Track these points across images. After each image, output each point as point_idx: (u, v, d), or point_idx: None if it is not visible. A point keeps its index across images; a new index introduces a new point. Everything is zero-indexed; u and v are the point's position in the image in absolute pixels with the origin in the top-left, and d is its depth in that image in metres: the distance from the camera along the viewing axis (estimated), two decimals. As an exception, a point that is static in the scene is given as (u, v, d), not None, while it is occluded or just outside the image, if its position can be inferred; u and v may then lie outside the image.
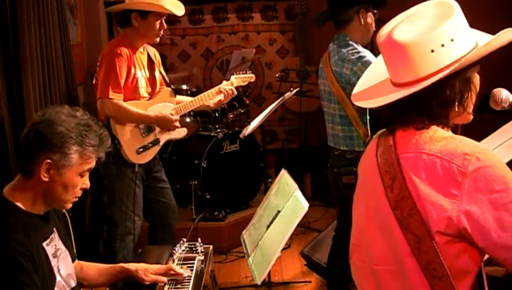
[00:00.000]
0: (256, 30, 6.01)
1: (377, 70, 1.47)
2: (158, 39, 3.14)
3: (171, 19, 5.78)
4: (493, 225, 1.21)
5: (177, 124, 3.18)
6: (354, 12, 2.73)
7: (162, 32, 3.12)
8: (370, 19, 2.76)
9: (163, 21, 3.09)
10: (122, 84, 2.98)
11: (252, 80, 3.63)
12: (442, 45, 1.27)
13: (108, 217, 3.24)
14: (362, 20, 2.73)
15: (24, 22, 3.06)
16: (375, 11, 2.77)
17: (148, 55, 3.22)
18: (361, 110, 2.67)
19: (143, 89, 3.14)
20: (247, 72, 3.62)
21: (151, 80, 3.22)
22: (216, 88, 3.35)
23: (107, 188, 3.26)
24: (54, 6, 3.44)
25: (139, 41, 3.11)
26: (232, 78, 3.48)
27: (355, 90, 1.51)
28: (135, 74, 3.05)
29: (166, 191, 3.40)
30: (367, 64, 2.59)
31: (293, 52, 5.98)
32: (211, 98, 3.34)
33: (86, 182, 1.76)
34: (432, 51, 1.27)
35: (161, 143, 3.24)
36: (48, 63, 3.34)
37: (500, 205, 1.21)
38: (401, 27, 1.31)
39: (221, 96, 3.34)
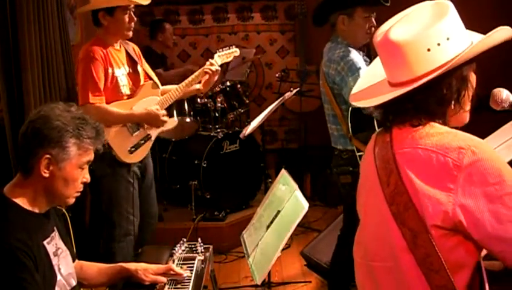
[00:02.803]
0: (256, 30, 6.01)
1: (375, 71, 1.49)
2: (130, 33, 3.08)
3: (171, 19, 5.82)
4: (488, 218, 1.22)
5: (165, 118, 3.14)
6: (335, 18, 2.77)
7: (132, 25, 3.06)
8: (357, 22, 2.75)
9: (132, 14, 3.03)
10: (101, 87, 2.94)
11: (237, 54, 3.55)
12: (438, 44, 1.28)
13: (106, 218, 3.23)
14: (343, 25, 2.75)
15: (24, 22, 3.06)
16: (366, 15, 2.75)
17: (127, 52, 3.17)
18: (345, 110, 2.70)
19: (125, 86, 3.08)
20: (230, 47, 3.54)
21: (133, 76, 3.17)
22: (200, 70, 3.29)
23: (103, 191, 3.24)
24: (54, 7, 3.44)
25: (112, 39, 3.07)
26: (216, 56, 3.41)
27: (353, 91, 1.53)
28: (113, 73, 3.01)
29: (151, 197, 3.38)
30: (349, 63, 2.65)
31: (293, 52, 5.98)
32: (196, 81, 3.28)
33: (86, 176, 1.78)
34: (428, 49, 1.28)
35: (153, 138, 3.20)
36: (48, 63, 3.34)
37: (495, 197, 1.22)
38: (398, 27, 1.32)
39: (206, 77, 3.28)
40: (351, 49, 2.73)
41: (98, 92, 2.94)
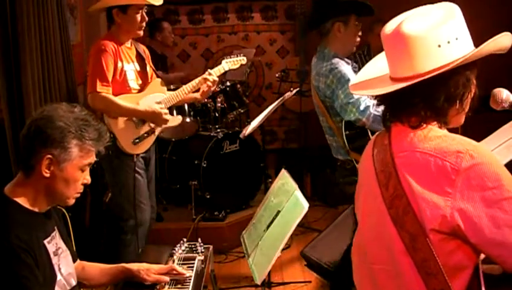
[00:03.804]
0: (256, 30, 6.01)
1: (376, 66, 1.49)
2: (141, 32, 3.16)
3: (171, 19, 5.81)
4: (486, 222, 1.22)
5: (167, 116, 3.20)
6: (331, 25, 2.77)
7: (144, 24, 3.14)
8: (352, 29, 2.76)
9: (144, 13, 3.11)
10: (109, 78, 3.02)
11: (244, 62, 3.66)
12: (448, 42, 1.29)
13: (117, 210, 3.25)
14: (340, 32, 2.75)
15: (24, 22, 3.06)
16: (357, 22, 2.75)
17: (137, 51, 3.26)
18: (339, 121, 2.70)
19: (132, 81, 3.17)
20: (239, 55, 3.65)
21: (142, 73, 3.25)
22: (199, 78, 3.37)
23: (110, 183, 3.30)
24: (54, 6, 3.44)
25: (124, 37, 3.15)
26: (223, 62, 3.54)
27: (354, 81, 1.54)
28: (123, 67, 3.10)
29: (151, 190, 3.42)
30: (337, 76, 2.65)
31: (293, 52, 5.98)
32: (199, 86, 3.36)
33: (87, 177, 1.78)
34: (439, 46, 1.29)
35: (156, 132, 3.27)
36: (48, 63, 3.34)
37: (493, 202, 1.22)
38: (411, 21, 1.33)
39: (204, 87, 3.37)
40: (338, 60, 2.73)
41: (106, 83, 3.02)
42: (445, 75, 1.29)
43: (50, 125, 1.67)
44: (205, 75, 3.37)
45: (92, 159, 1.76)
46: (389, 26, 1.37)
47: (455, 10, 1.33)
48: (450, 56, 1.29)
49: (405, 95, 1.34)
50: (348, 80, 2.62)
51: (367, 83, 1.49)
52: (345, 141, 2.65)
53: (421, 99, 1.33)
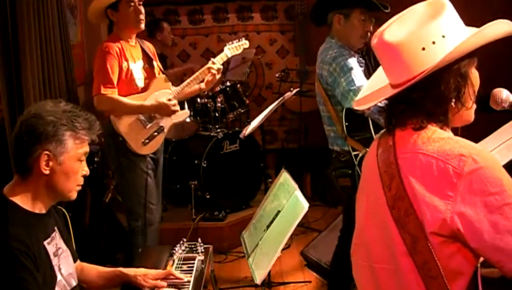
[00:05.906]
0: (256, 30, 6.01)
1: (380, 77, 1.48)
2: (142, 25, 3.15)
3: (171, 19, 5.81)
4: (487, 227, 1.21)
5: (176, 107, 3.20)
6: (332, 17, 2.77)
7: (142, 17, 3.12)
8: (353, 23, 2.73)
9: (138, 6, 3.10)
10: (114, 80, 3.02)
11: (246, 46, 3.63)
12: (433, 42, 1.27)
13: (127, 211, 3.27)
14: (339, 24, 2.75)
15: (24, 22, 3.06)
16: (363, 17, 2.73)
17: (142, 48, 3.25)
18: (340, 110, 2.70)
19: (140, 80, 3.17)
20: (240, 39, 3.62)
21: (149, 70, 3.25)
22: (203, 68, 3.36)
23: (120, 184, 3.31)
24: (54, 6, 3.44)
25: (125, 34, 3.15)
26: (225, 49, 3.51)
27: (358, 97, 1.52)
28: (128, 66, 3.09)
29: (157, 193, 3.42)
30: (340, 64, 2.64)
31: (293, 52, 5.98)
32: (203, 76, 3.34)
33: (85, 169, 1.78)
34: (423, 48, 1.27)
35: (166, 130, 3.27)
36: (48, 63, 3.34)
37: (495, 207, 1.21)
38: (391, 28, 1.32)
39: (209, 77, 3.36)
40: (344, 50, 2.72)
41: (111, 84, 3.02)
42: (433, 76, 1.27)
43: (41, 122, 1.68)
44: (209, 65, 3.36)
45: (87, 148, 1.77)
46: (375, 35, 1.36)
47: (443, 7, 1.30)
48: (437, 56, 1.26)
49: (397, 102, 1.34)
50: (351, 68, 2.61)
51: (369, 96, 1.47)
52: (344, 127, 2.64)
53: (410, 105, 1.32)
